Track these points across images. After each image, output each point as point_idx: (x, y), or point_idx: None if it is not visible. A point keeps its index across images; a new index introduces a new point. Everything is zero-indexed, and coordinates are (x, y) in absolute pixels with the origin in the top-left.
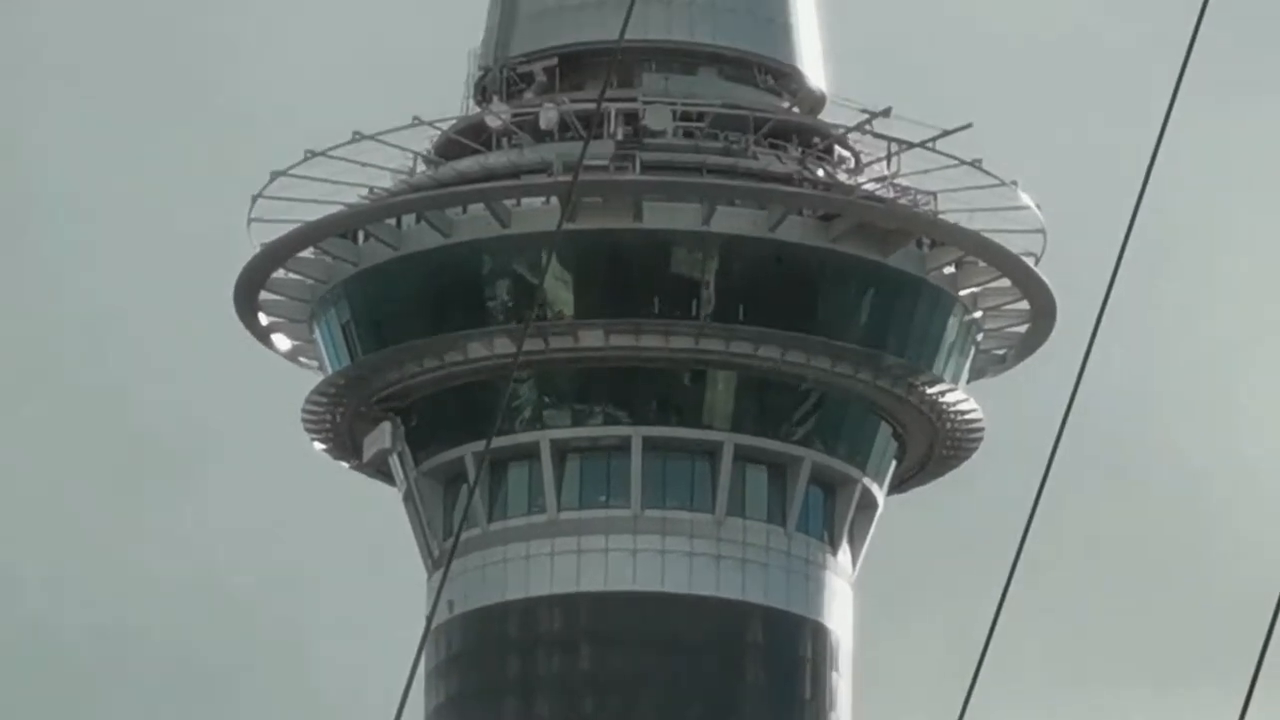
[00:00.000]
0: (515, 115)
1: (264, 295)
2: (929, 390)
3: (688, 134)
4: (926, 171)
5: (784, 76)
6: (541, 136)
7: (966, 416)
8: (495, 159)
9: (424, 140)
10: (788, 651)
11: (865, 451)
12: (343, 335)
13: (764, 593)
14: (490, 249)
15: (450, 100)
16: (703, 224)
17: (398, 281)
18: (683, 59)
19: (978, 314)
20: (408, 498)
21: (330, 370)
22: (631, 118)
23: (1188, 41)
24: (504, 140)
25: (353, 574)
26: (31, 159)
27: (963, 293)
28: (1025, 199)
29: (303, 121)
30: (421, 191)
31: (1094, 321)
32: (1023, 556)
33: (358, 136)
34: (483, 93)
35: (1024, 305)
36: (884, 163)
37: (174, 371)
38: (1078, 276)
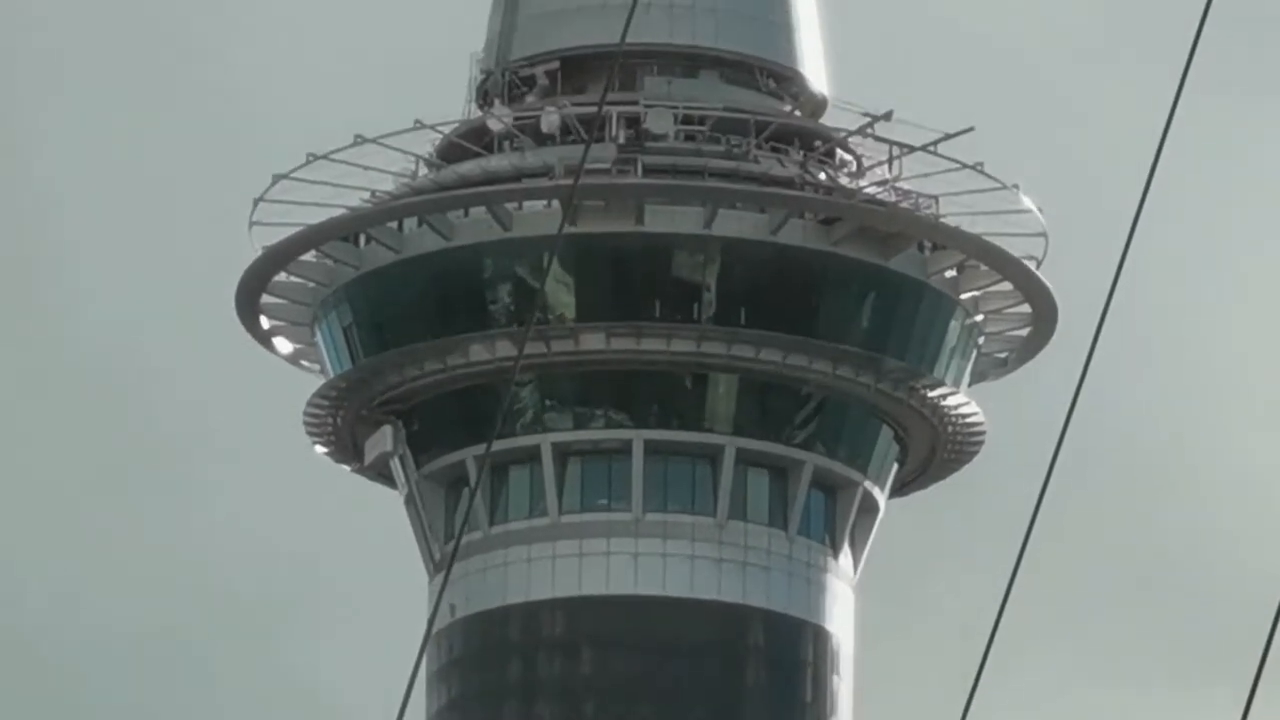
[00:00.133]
0: (517, 118)
1: (265, 298)
2: (930, 394)
3: (689, 137)
4: (928, 175)
5: (785, 80)
6: (543, 140)
7: (968, 420)
8: (497, 162)
9: (426, 143)
10: (789, 655)
11: (866, 455)
12: (344, 338)
13: (765, 596)
14: (492, 252)
15: (452, 103)
16: (704, 227)
17: (399, 285)
18: (684, 62)
19: (979, 317)
20: (409, 501)
21: (332, 373)
22: (633, 121)
23: (1189, 45)
24: (506, 143)
25: (354, 577)
26: (32, 161)
27: (964, 296)
28: (1027, 202)
29: (304, 125)
30: (423, 195)
31: (1095, 325)
32: (1025, 560)
33: (359, 140)
34: (484, 96)
35: (1025, 309)
36: (886, 166)
37: (176, 374)
38: (1079, 280)
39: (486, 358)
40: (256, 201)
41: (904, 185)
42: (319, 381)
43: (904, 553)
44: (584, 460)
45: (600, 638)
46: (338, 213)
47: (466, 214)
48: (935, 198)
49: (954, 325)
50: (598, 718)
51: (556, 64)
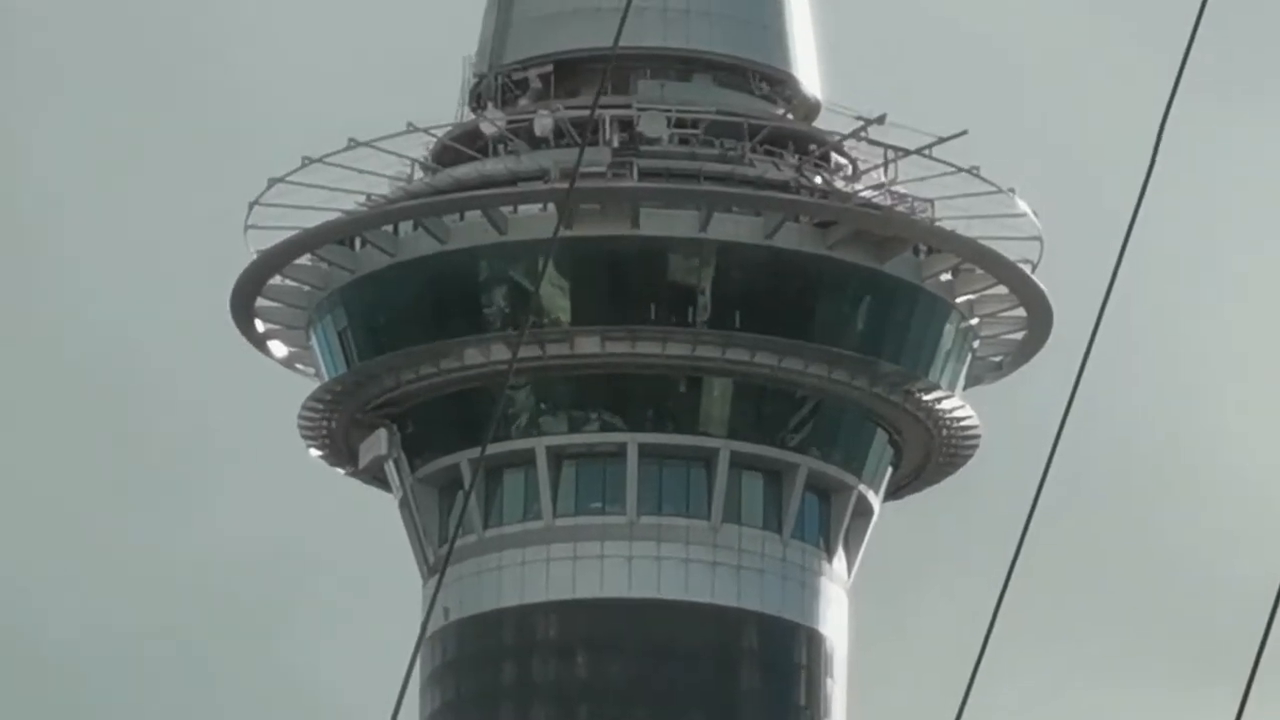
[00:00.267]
0: (511, 122)
1: (261, 302)
2: (925, 397)
3: (683, 141)
4: (923, 178)
5: (779, 83)
6: (537, 143)
7: (962, 423)
8: (492, 166)
9: (420, 147)
10: (783, 658)
11: (861, 458)
12: (339, 342)
13: (759, 599)
14: (487, 256)
15: (446, 107)
16: (699, 231)
17: (394, 288)
18: (678, 65)
19: (974, 321)
20: (404, 504)
21: (327, 377)
22: (627, 124)
23: (1184, 47)
24: (500, 147)
25: (349, 580)
26: (27, 165)
27: (959, 299)
28: (1022, 206)
29: (299, 128)
30: (418, 198)
31: (1091, 329)
32: (1019, 563)
33: (354, 143)
34: (478, 99)
35: (1020, 312)
36: (880, 169)
37: (171, 377)
38: (1074, 283)
39: (481, 361)
40: (251, 205)
41: (899, 188)
42: (314, 385)
43: (898, 556)
44: (578, 463)
45: (595, 641)
46: (333, 216)
47: (461, 217)
48: (930, 201)
49: (949, 329)
50: None
51: (550, 67)
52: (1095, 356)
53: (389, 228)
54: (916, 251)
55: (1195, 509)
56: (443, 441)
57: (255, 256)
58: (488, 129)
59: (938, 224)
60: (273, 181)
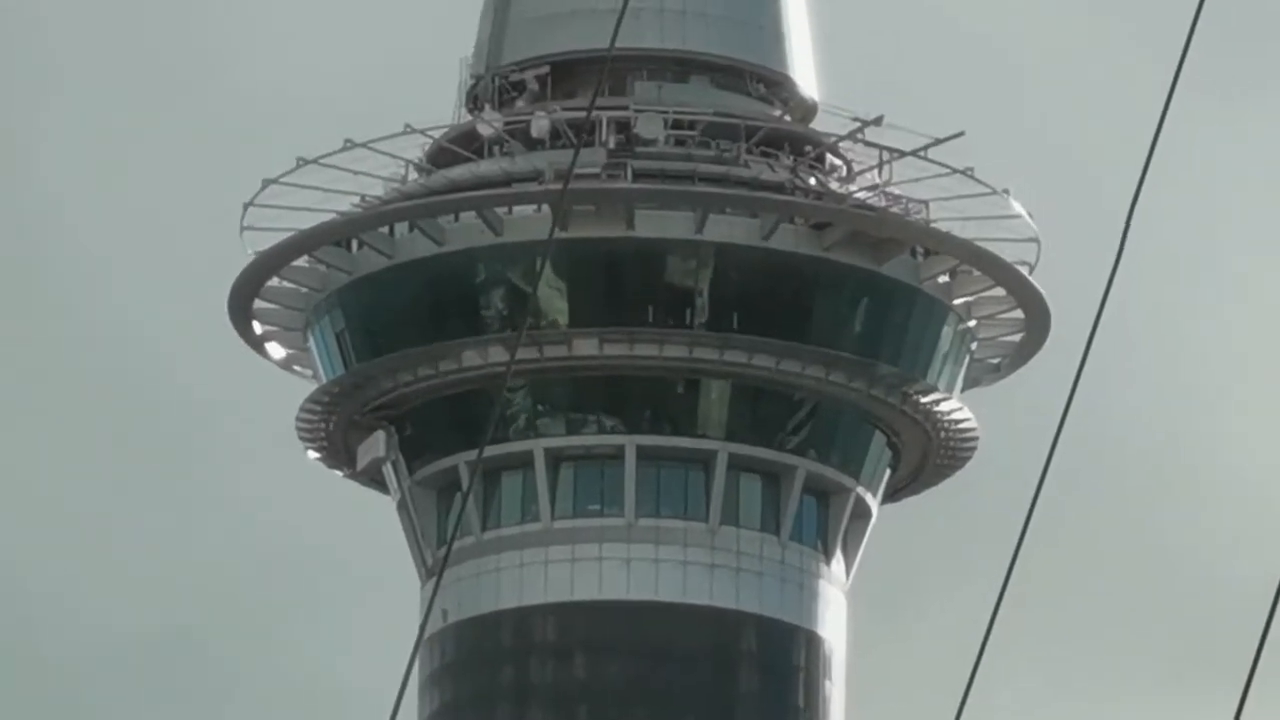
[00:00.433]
0: (507, 123)
1: (258, 304)
2: (923, 399)
3: (679, 142)
4: (919, 180)
5: (776, 85)
6: (533, 144)
7: (960, 425)
8: (487, 167)
9: (416, 148)
10: (781, 660)
11: (859, 460)
12: (337, 344)
13: (758, 601)
14: (484, 257)
15: (442, 108)
16: (695, 232)
17: (391, 290)
18: (674, 67)
19: (972, 323)
20: (402, 506)
21: (324, 379)
22: (623, 126)
23: (1181, 48)
24: (496, 148)
25: (347, 582)
26: (26, 166)
27: (957, 301)
28: (1018, 207)
29: (295, 129)
30: (414, 199)
31: (1089, 330)
32: (1018, 565)
33: (350, 144)
34: (475, 101)
35: (1018, 314)
36: (876, 171)
37: (169, 379)
38: (1072, 285)
39: (479, 363)
40: (247, 206)
41: (895, 190)
42: (311, 387)
43: (896, 558)
44: (576, 465)
45: (593, 643)
46: (329, 217)
47: (458, 219)
48: (926, 203)
49: (947, 331)
50: None
51: (546, 69)
52: (1093, 358)
53: (385, 229)
54: (914, 253)
55: (1194, 510)
56: (441, 443)
57: (252, 258)
58: (484, 130)
59: (934, 226)
60: (268, 182)
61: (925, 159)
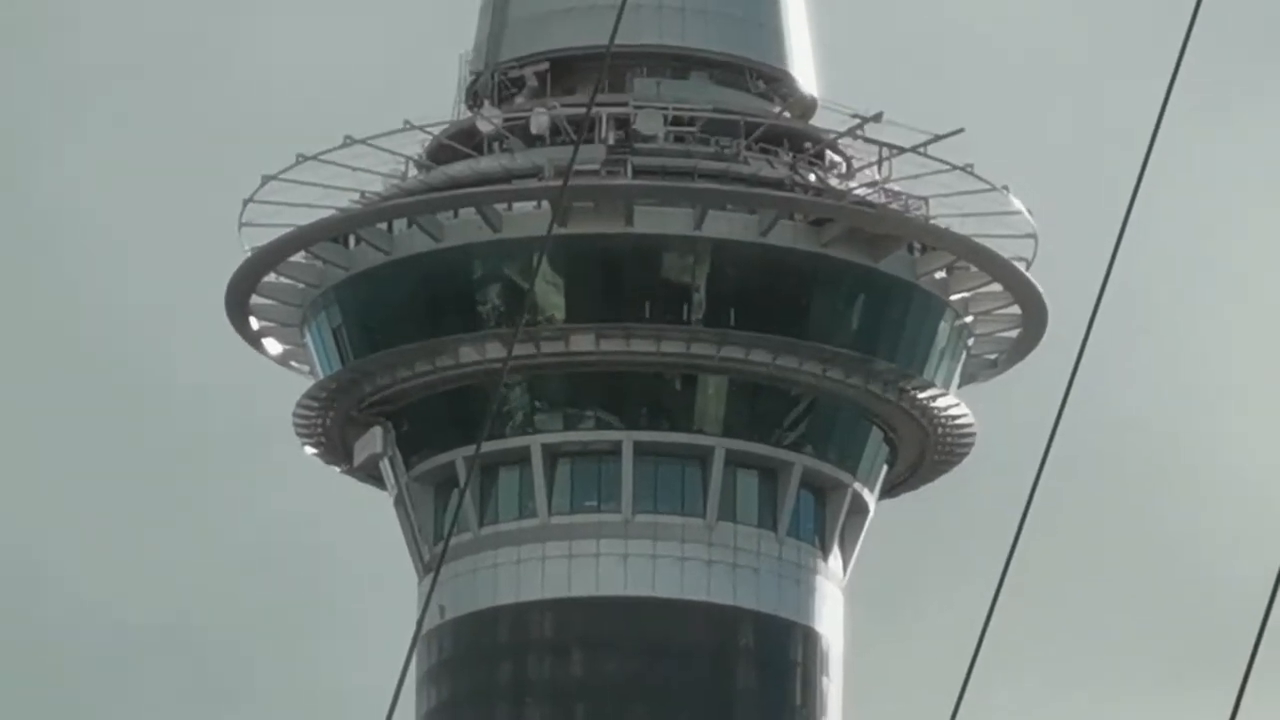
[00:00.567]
0: (506, 120)
1: (255, 299)
2: (920, 395)
3: (679, 138)
4: (918, 176)
5: (775, 81)
6: (532, 141)
7: (958, 421)
8: (486, 163)
9: (415, 144)
10: (779, 656)
11: (856, 456)
12: (334, 339)
13: (755, 597)
14: (481, 253)
15: (441, 104)
16: (694, 229)
17: (389, 286)
18: (674, 64)
19: (969, 319)
20: (399, 502)
21: (321, 375)
22: (623, 122)
23: (1179, 46)
24: (495, 145)
25: (344, 578)
26: (23, 165)
27: (954, 298)
28: (1017, 204)
29: (294, 125)
30: (413, 196)
31: (1086, 326)
32: (1015, 561)
33: (349, 140)
34: (474, 97)
35: (1015, 310)
36: (875, 168)
37: (166, 374)
38: (1069, 281)
39: (476, 359)
40: (246, 202)
41: (894, 186)
42: (308, 382)
43: (894, 554)
44: (573, 461)
45: (590, 639)
46: (327, 214)
47: (456, 215)
48: (925, 199)
49: (944, 326)
50: (588, 719)
51: (546, 65)
52: (1090, 354)
53: (383, 225)
54: (911, 249)
55: (1192, 507)
56: (438, 439)
57: (250, 254)
58: (484, 127)
59: (932, 222)
60: (266, 179)
61: (925, 155)
